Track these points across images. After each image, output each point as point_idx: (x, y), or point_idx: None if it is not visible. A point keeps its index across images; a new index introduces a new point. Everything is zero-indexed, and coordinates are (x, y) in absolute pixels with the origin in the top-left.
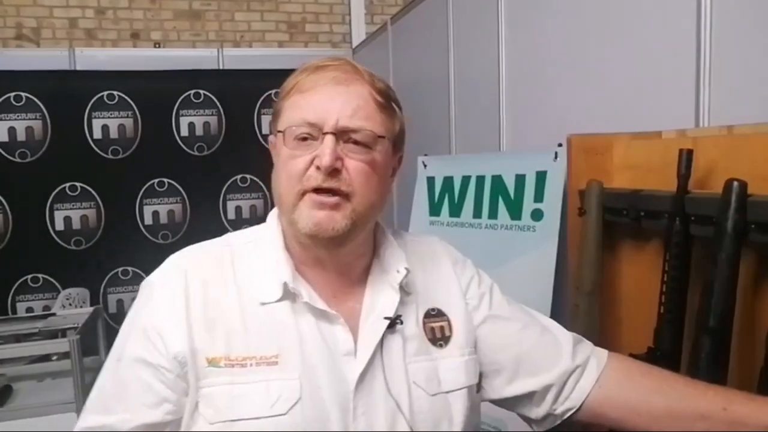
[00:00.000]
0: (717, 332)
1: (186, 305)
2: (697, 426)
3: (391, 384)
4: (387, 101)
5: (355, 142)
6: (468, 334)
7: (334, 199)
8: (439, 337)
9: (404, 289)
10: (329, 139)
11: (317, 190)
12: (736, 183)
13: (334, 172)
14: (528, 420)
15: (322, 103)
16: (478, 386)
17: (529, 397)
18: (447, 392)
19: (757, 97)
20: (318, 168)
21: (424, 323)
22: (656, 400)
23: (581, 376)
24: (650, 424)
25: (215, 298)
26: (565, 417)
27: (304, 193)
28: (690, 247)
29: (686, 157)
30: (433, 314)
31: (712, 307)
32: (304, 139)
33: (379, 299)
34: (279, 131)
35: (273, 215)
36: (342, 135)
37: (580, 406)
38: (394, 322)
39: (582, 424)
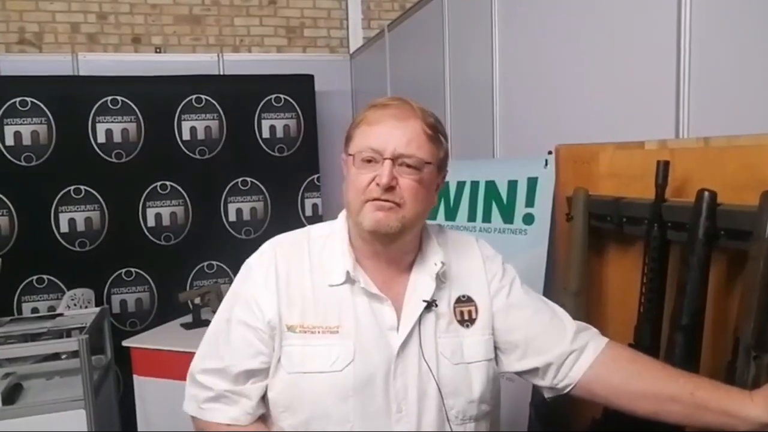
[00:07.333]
0: (689, 329)
1: (276, 283)
2: (668, 406)
3: (424, 353)
4: (435, 133)
5: (408, 166)
6: (489, 319)
7: (390, 204)
8: (466, 319)
9: (440, 279)
10: (387, 163)
11: (376, 200)
12: (706, 193)
13: (390, 188)
14: (542, 389)
15: (384, 135)
16: (497, 360)
17: (535, 371)
18: (468, 363)
19: (732, 110)
20: (378, 184)
21: (455, 307)
22: (636, 383)
23: (578, 358)
24: (630, 402)
25: (295, 278)
26: (566, 391)
27: (366, 202)
28: (667, 251)
29: (663, 168)
30: (463, 300)
31: (685, 306)
32: (369, 161)
33: (420, 286)
34: (350, 154)
35: (343, 215)
36: (397, 159)
37: (576, 383)
38: (430, 305)
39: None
